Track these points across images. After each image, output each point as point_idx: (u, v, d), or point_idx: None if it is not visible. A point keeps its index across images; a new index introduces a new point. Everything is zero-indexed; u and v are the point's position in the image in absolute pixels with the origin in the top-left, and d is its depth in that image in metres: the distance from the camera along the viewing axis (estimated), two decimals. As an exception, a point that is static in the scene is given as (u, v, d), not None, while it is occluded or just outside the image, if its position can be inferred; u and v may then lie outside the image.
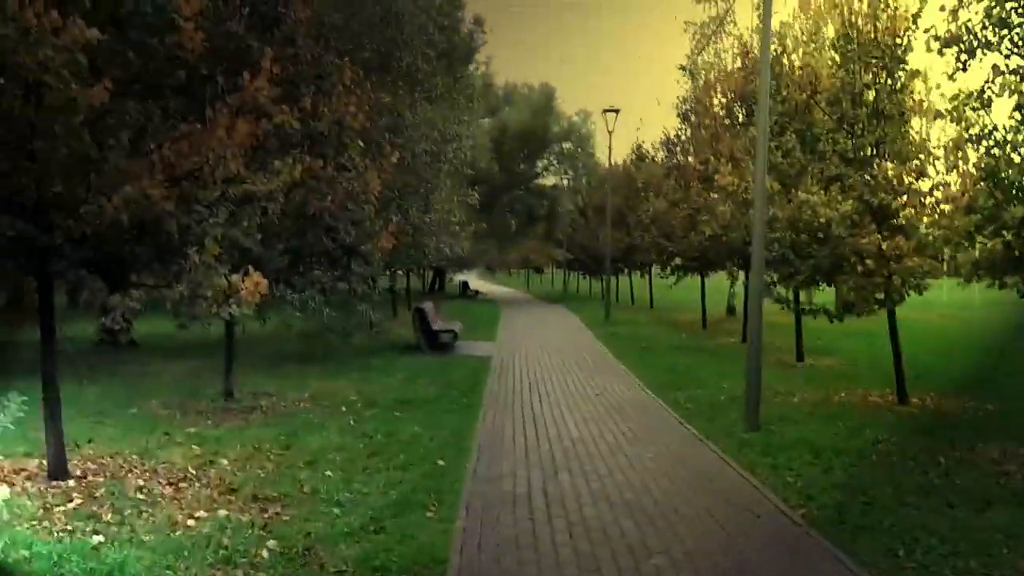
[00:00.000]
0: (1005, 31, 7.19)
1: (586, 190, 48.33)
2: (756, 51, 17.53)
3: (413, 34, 15.61)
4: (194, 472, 7.30)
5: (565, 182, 54.68)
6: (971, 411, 10.68)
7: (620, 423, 9.96)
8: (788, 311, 12.17)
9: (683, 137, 24.63)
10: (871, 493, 6.66)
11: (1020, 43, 7.34)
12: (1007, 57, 7.64)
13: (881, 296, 10.12)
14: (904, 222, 9.73)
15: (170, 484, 6.89)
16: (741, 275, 18.75)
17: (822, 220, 10.07)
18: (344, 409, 10.69)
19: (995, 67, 7.67)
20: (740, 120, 18.44)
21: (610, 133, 28.99)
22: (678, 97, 25.12)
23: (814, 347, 17.38)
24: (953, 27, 7.57)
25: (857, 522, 5.92)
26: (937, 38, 7.82)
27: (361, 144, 10.76)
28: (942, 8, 7.72)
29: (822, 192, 10.35)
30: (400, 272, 25.71)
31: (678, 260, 24.49)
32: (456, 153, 19.09)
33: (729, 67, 22.44)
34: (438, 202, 19.08)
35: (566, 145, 52.99)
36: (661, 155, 28.32)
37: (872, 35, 10.61)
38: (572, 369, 15.21)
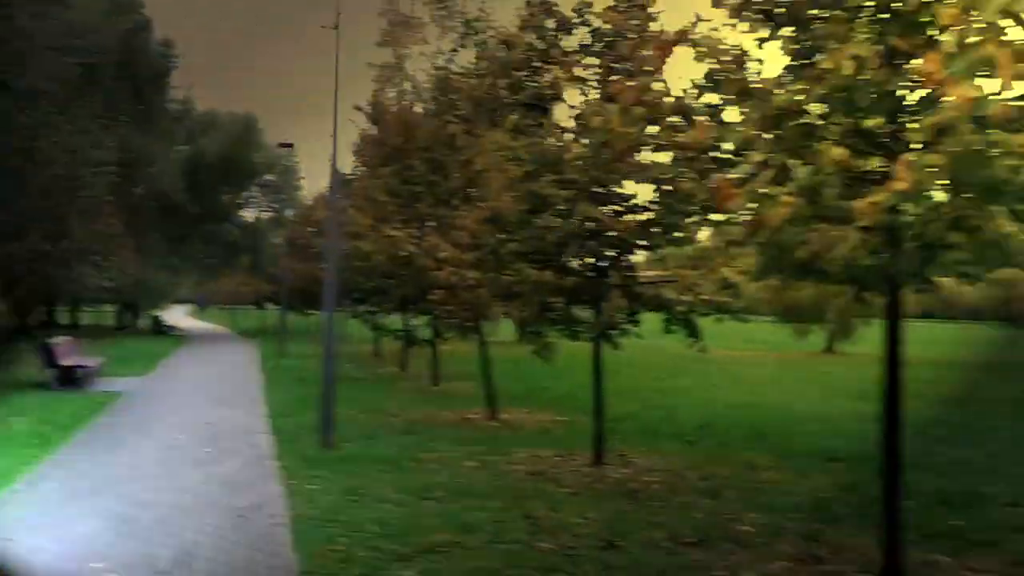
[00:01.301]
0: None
1: (290, 224, 47.61)
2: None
3: (33, 55, 14.75)
4: None
5: (269, 215, 53.55)
6: (540, 423, 12.21)
7: (205, 447, 10.09)
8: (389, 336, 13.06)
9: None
10: (345, 484, 7.86)
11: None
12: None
13: (457, 323, 11.27)
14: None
15: None
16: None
17: (404, 253, 11.02)
18: None
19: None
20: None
21: (287, 167, 29.16)
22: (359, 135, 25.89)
23: (465, 374, 18.58)
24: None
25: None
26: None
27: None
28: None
29: (409, 229, 11.33)
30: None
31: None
32: (91, 179, 18.05)
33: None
34: (77, 231, 17.94)
35: (270, 177, 52.00)
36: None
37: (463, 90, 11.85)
38: (204, 400, 15.00)
